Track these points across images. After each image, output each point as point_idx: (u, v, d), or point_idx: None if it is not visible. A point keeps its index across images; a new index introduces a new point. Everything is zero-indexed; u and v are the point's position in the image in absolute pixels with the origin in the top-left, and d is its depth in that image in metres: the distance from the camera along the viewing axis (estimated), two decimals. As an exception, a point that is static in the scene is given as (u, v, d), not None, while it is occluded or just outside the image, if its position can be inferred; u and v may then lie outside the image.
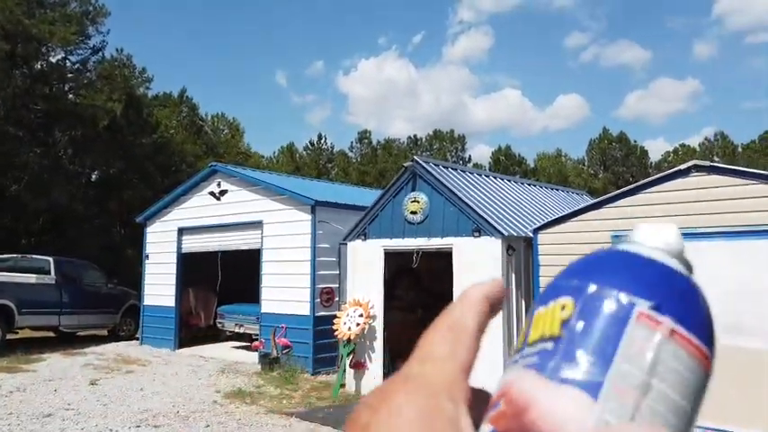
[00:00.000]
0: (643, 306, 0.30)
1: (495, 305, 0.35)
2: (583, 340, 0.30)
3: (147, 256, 14.34)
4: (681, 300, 0.31)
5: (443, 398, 0.31)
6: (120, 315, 14.75)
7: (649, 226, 0.34)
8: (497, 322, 7.88)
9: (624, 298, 0.30)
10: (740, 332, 6.11)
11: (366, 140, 45.00)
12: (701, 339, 0.30)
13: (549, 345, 0.31)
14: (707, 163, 6.54)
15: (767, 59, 64.17)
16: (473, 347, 0.33)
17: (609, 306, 0.30)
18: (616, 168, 43.30)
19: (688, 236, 6.47)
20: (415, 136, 45.97)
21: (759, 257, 6.06)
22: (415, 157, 9.31)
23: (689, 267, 0.33)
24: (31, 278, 12.85)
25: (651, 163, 43.71)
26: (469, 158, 45.30)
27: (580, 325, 0.30)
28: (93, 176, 25.88)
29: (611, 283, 0.31)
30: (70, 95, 24.08)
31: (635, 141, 44.53)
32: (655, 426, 0.28)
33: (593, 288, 0.31)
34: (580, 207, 7.64)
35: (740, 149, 43.34)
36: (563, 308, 0.31)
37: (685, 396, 0.29)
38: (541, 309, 0.33)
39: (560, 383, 0.29)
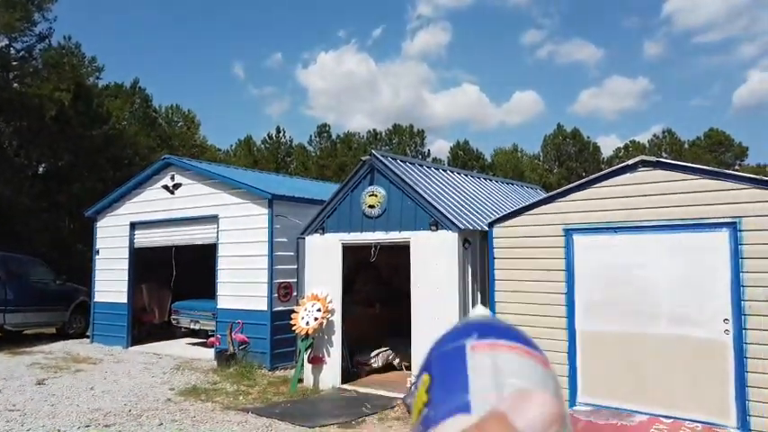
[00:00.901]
0: (471, 340, 0.39)
1: None
2: (443, 387, 0.37)
3: (98, 252, 13.93)
4: (496, 327, 0.41)
5: None
6: (70, 312, 14.30)
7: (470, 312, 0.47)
8: (453, 313, 7.98)
9: (456, 343, 0.39)
10: (686, 322, 6.37)
11: (325, 134, 44.74)
12: (524, 344, 0.40)
13: (425, 410, 0.38)
14: (653, 158, 6.76)
15: (713, 59, 66.82)
16: None
17: (449, 354, 0.39)
18: (570, 164, 44.38)
19: (635, 228, 6.70)
20: (374, 130, 46.00)
21: (703, 250, 6.32)
22: (373, 151, 9.31)
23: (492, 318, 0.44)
24: (-28, 275, 12.33)
25: (603, 158, 44.97)
26: (428, 153, 45.64)
27: (437, 381, 0.38)
28: (41, 169, 24.89)
29: (446, 343, 0.40)
30: (15, 84, 23.04)
31: (588, 137, 45.81)
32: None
33: (435, 354, 0.41)
34: (533, 201, 7.80)
35: (687, 146, 45.06)
36: (424, 383, 0.40)
37: (537, 384, 0.37)
38: (413, 398, 0.41)
39: (441, 421, 0.35)
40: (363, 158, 9.25)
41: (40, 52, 23.69)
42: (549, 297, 7.22)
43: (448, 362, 0.38)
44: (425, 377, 0.39)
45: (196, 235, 12.09)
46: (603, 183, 6.95)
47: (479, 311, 0.45)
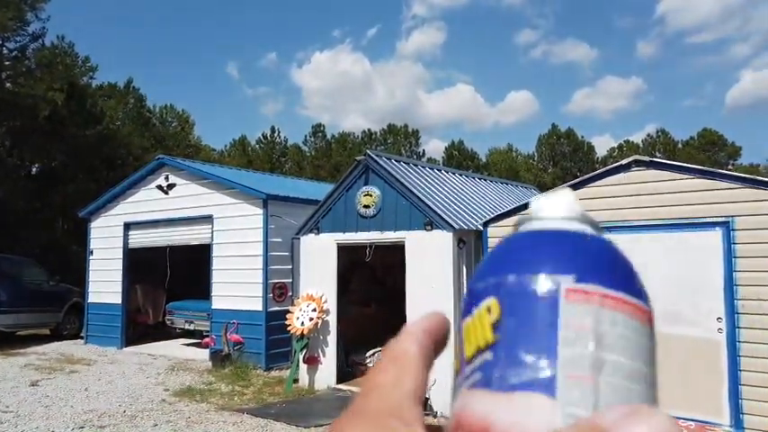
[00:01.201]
0: (567, 281, 0.28)
1: (438, 340, 0.33)
2: (520, 338, 0.27)
3: (92, 252, 13.87)
4: (601, 262, 0.29)
5: (391, 420, 0.28)
6: (64, 313, 14.23)
7: (545, 199, 0.32)
8: (448, 313, 7.99)
9: (546, 279, 0.28)
10: (680, 321, 6.40)
11: (320, 134, 44.73)
12: (632, 295, 0.28)
13: (488, 355, 0.28)
14: (646, 158, 6.80)
15: (707, 59, 67.15)
16: (419, 376, 0.31)
17: (534, 293, 0.28)
18: (564, 163, 44.51)
19: (629, 228, 6.73)
20: (369, 130, 46.02)
21: (696, 249, 6.35)
22: (368, 151, 9.32)
23: (596, 227, 0.31)
24: (-35, 276, 12.26)
25: (597, 158, 45.11)
26: (423, 153, 45.68)
27: (511, 323, 0.28)
28: (34, 169, 24.78)
29: (528, 268, 0.28)
30: (8, 84, 22.92)
31: (582, 137, 45.93)
32: (617, 402, 0.26)
33: (511, 279, 0.29)
34: (528, 201, 7.82)
35: (680, 145, 45.27)
36: (489, 311, 0.29)
37: (638, 358, 0.28)
38: (468, 319, 0.30)
39: (513, 391, 0.26)
40: (358, 158, 9.25)
41: (34, 52, 23.59)
42: (543, 296, 7.23)
43: (531, 303, 0.27)
44: (493, 303, 0.28)
45: (191, 235, 12.07)
46: (598, 182, 6.98)
47: (563, 203, 0.31)
